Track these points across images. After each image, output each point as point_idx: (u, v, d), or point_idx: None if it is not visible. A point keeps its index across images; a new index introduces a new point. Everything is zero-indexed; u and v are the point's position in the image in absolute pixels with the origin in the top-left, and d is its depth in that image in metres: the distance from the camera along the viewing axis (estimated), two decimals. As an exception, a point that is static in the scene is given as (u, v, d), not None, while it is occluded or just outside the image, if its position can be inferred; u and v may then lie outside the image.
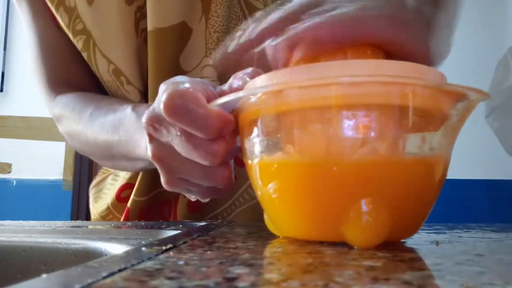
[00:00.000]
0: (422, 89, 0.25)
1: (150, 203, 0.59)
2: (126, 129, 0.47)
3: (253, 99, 0.28)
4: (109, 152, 0.51)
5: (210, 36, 0.56)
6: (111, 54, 0.56)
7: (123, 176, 0.63)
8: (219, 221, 0.55)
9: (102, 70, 0.57)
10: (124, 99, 0.58)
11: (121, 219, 0.60)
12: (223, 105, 0.29)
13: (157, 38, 0.54)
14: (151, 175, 0.57)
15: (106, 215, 0.63)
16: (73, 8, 0.56)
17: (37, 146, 2.24)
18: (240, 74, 0.34)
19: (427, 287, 0.16)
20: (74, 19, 0.57)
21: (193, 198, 0.39)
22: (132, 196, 0.58)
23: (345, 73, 0.25)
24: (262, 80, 0.28)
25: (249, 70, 0.34)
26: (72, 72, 0.61)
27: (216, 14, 0.56)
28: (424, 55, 0.30)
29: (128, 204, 0.58)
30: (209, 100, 0.32)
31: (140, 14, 0.56)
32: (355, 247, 0.25)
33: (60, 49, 0.60)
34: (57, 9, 0.57)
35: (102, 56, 0.57)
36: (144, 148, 0.40)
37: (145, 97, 0.58)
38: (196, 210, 0.58)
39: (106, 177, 0.67)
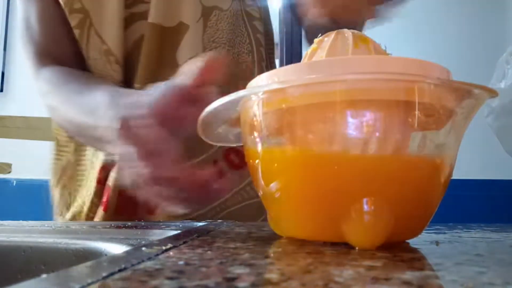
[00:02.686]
0: (428, 86, 0.24)
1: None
2: (99, 117, 0.47)
3: (254, 97, 0.28)
4: (85, 133, 0.52)
5: (208, 43, 0.60)
6: (106, 35, 0.59)
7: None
8: (220, 221, 0.55)
9: (94, 49, 0.59)
10: (106, 78, 0.60)
11: (101, 207, 0.60)
12: (224, 105, 0.29)
13: (158, 33, 0.57)
14: None
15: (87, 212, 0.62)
16: None
17: (37, 146, 2.24)
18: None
19: (427, 287, 0.16)
20: None
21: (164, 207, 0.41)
22: (113, 182, 0.58)
23: (349, 70, 0.25)
24: (263, 79, 0.28)
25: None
26: (60, 47, 0.63)
27: (216, 27, 0.60)
28: None
29: (110, 183, 0.58)
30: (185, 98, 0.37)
31: (125, 3, 0.59)
32: (356, 248, 0.25)
33: (54, 23, 0.63)
34: None
35: (97, 36, 0.59)
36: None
37: (128, 76, 0.60)
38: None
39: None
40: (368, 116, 0.24)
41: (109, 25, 0.59)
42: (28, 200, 2.31)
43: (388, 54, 0.30)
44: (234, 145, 0.36)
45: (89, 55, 0.60)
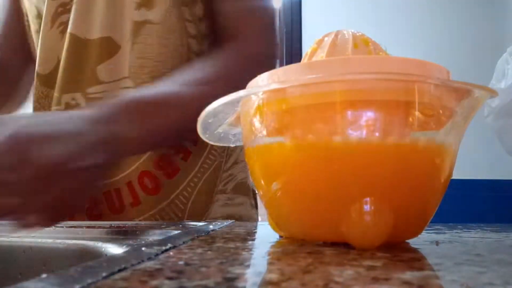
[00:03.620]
0: (428, 86, 0.24)
1: None
2: None
3: (254, 97, 0.28)
4: None
5: (134, 60, 0.58)
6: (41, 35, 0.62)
7: None
8: (220, 221, 0.55)
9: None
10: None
11: None
12: (224, 105, 0.29)
13: (77, 43, 0.59)
14: None
15: None
16: None
17: (37, 146, 2.24)
18: None
19: (427, 287, 0.16)
20: None
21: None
22: None
23: (348, 70, 0.25)
24: (263, 79, 0.28)
25: None
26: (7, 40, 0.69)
27: (145, 41, 0.58)
28: None
29: None
30: None
31: (62, 9, 0.60)
32: (356, 248, 0.25)
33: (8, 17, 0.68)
34: None
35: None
36: None
37: (48, 79, 0.62)
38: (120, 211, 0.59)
39: None
40: (368, 116, 0.24)
41: (43, 26, 0.61)
42: (28, 200, 2.31)
43: (388, 54, 0.30)
44: (234, 145, 0.36)
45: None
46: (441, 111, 0.25)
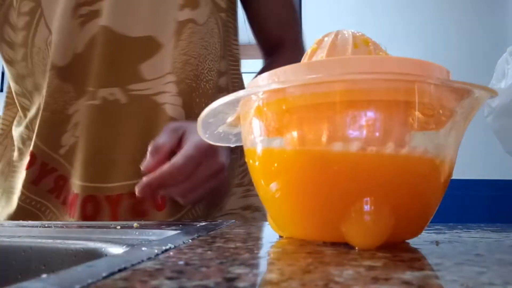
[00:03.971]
0: (428, 86, 0.24)
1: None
2: None
3: (254, 97, 0.28)
4: None
5: (178, 56, 0.61)
6: (53, 27, 0.60)
7: None
8: (220, 221, 0.55)
9: (40, 39, 0.61)
10: (40, 66, 0.61)
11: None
12: (224, 105, 0.29)
13: (114, 38, 0.59)
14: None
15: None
16: None
17: (37, 146, 2.24)
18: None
19: (427, 287, 0.16)
20: None
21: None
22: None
23: (348, 70, 0.25)
24: (263, 79, 0.28)
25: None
26: None
27: (189, 39, 0.61)
28: None
29: (75, 190, 0.60)
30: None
31: (84, 2, 0.60)
32: (356, 248, 0.25)
33: None
34: None
35: (46, 26, 0.61)
36: None
37: (77, 73, 0.61)
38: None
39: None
40: (368, 116, 0.24)
41: (56, 17, 0.60)
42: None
43: (388, 54, 0.30)
44: (234, 145, 0.36)
45: (35, 43, 0.61)
46: (441, 111, 0.25)
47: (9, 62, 0.64)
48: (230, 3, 0.67)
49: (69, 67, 0.60)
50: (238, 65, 0.71)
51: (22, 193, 0.62)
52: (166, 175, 0.50)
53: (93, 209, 0.59)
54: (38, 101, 0.62)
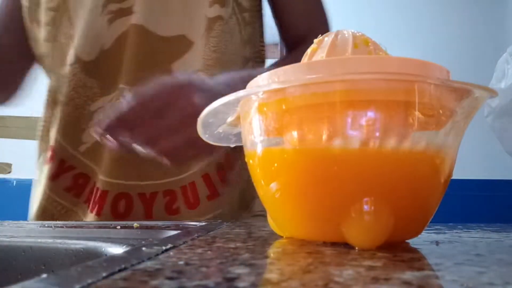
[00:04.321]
0: (428, 86, 0.24)
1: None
2: None
3: (254, 97, 0.28)
4: None
5: (209, 54, 0.60)
6: (78, 20, 0.60)
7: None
8: (219, 221, 0.56)
9: (62, 33, 0.61)
10: (62, 60, 0.62)
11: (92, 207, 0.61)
12: (224, 105, 0.29)
13: (147, 37, 0.58)
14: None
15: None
16: None
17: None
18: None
19: (427, 287, 0.16)
20: None
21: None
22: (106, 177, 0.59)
23: (348, 70, 0.25)
24: (263, 79, 0.28)
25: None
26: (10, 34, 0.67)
27: (219, 36, 0.60)
28: None
29: (100, 186, 0.59)
30: None
31: None
32: (356, 248, 0.25)
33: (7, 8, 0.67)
34: None
35: (68, 20, 0.61)
36: None
37: (106, 72, 0.60)
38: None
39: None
40: (368, 116, 0.24)
41: (86, 13, 0.60)
42: (28, 200, 2.31)
43: (388, 54, 0.30)
44: (234, 145, 0.36)
45: (57, 38, 0.61)
46: (441, 111, 0.25)
47: (39, 58, 0.65)
48: (253, 2, 0.66)
49: (95, 62, 0.59)
50: (263, 65, 0.71)
51: (44, 189, 0.62)
52: (128, 110, 0.44)
53: (126, 207, 0.59)
54: (60, 96, 0.62)
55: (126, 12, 0.59)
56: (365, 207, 0.24)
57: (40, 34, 0.63)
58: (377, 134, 0.24)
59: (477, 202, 1.96)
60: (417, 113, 0.24)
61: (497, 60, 1.39)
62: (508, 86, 1.28)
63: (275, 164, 0.27)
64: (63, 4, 0.61)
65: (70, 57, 0.60)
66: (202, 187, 0.60)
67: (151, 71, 0.58)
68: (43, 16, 0.62)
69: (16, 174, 2.25)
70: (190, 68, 0.59)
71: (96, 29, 0.59)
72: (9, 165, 2.25)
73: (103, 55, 0.59)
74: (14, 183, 2.25)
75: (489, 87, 0.25)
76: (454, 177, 0.28)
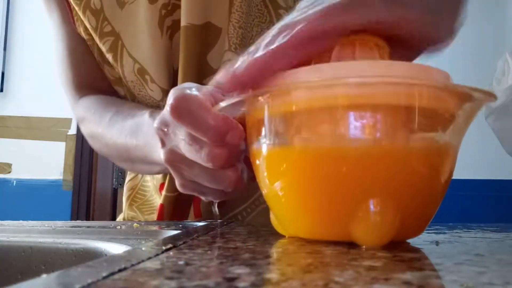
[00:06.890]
0: (430, 89, 0.25)
1: (180, 198, 0.58)
2: (143, 134, 0.49)
3: (260, 99, 0.28)
4: (128, 155, 0.53)
5: (234, 31, 0.56)
6: (137, 54, 0.58)
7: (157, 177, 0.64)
8: (219, 221, 0.56)
9: (128, 70, 0.59)
10: (146, 100, 0.59)
11: (155, 217, 0.60)
12: (228, 107, 0.29)
13: (189, 34, 0.55)
14: None
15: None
16: (100, 10, 0.58)
17: (37, 146, 2.24)
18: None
19: (427, 287, 0.16)
20: (102, 21, 0.58)
21: (205, 199, 0.41)
22: (163, 192, 0.58)
23: (353, 74, 0.25)
24: (269, 80, 0.28)
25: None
26: (96, 77, 0.63)
27: (240, 10, 0.56)
28: (431, 31, 0.30)
29: (161, 200, 0.58)
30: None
31: (166, 12, 0.57)
32: (364, 246, 0.25)
33: (86, 54, 0.62)
34: (84, 12, 0.59)
35: (129, 56, 0.58)
36: (159, 153, 0.41)
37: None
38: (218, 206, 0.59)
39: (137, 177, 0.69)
40: (371, 119, 0.25)
41: (139, 43, 0.57)
42: (28, 200, 2.31)
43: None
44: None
45: (126, 78, 0.59)
46: (442, 115, 0.26)
47: (125, 98, 0.63)
48: None
49: (170, 87, 0.56)
50: None
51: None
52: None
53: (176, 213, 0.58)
54: None
55: (178, 19, 0.56)
56: (372, 207, 0.25)
57: (114, 73, 0.61)
58: (381, 137, 0.25)
59: (477, 202, 1.96)
60: (419, 116, 0.25)
61: (497, 60, 1.39)
62: (508, 86, 1.28)
63: (281, 165, 0.27)
64: (117, 41, 0.58)
65: (149, 92, 0.58)
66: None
67: (197, 71, 0.55)
68: (108, 58, 0.60)
69: (16, 174, 2.25)
70: (220, 54, 0.56)
71: (163, 52, 0.57)
72: (9, 165, 2.26)
73: (175, 77, 0.57)
74: (14, 183, 2.26)
75: (489, 90, 0.26)
76: (454, 177, 0.29)
